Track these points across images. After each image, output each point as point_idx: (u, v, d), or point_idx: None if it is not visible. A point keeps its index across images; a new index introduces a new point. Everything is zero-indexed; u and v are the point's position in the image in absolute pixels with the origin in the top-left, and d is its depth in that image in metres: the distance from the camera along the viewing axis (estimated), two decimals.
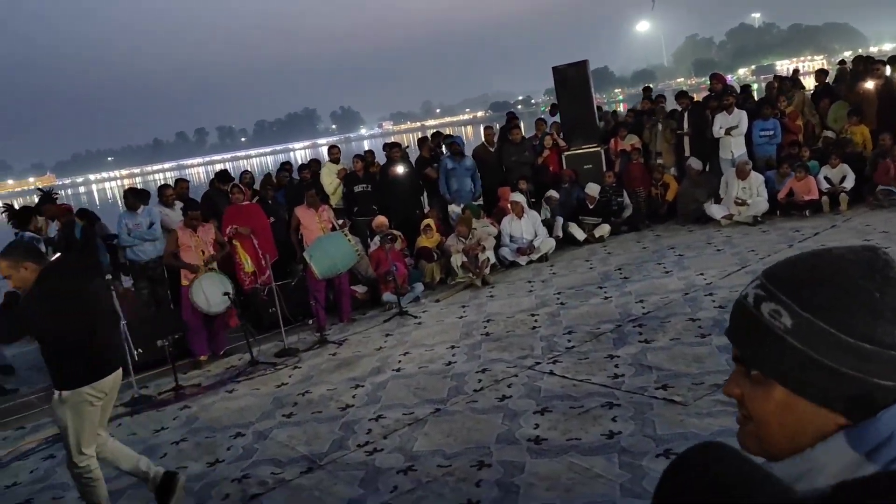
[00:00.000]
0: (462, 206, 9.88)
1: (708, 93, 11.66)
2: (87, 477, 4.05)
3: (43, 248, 7.33)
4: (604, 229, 10.19)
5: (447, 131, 17.19)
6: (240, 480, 4.53)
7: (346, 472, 4.43)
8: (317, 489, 4.27)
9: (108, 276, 7.09)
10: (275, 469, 4.62)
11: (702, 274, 7.60)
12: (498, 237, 9.59)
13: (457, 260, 8.90)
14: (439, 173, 10.33)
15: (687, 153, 10.86)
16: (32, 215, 7.76)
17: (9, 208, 7.95)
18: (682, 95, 11.41)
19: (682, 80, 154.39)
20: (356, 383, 6.00)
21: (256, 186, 10.32)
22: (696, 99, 11.88)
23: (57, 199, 8.53)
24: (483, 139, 11.13)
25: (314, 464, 4.60)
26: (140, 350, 6.75)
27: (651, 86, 14.99)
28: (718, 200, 10.06)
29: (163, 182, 10.42)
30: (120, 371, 4.19)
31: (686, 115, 10.99)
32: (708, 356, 5.31)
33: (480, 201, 10.44)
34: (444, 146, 11.32)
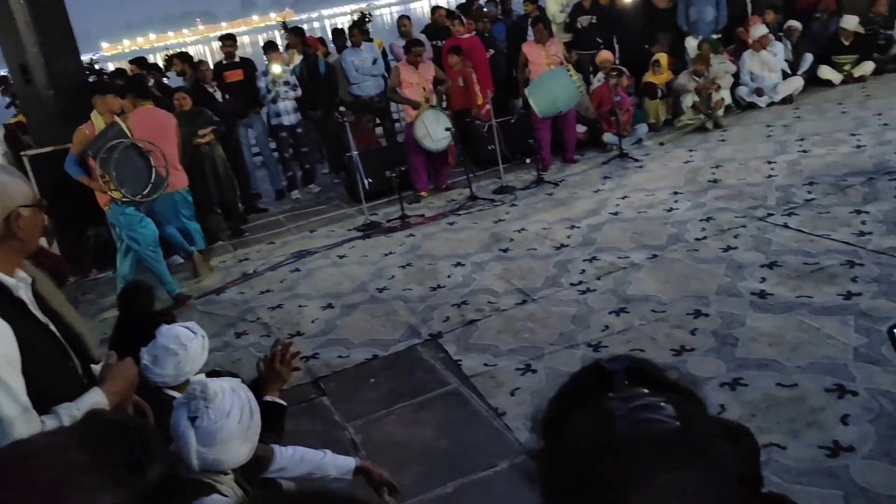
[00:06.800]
0: (700, 39, 8.95)
1: None
2: None
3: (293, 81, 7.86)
4: (866, 67, 8.88)
5: None
6: (459, 305, 4.83)
7: (559, 307, 4.53)
8: (530, 320, 4.43)
9: (342, 109, 7.50)
10: (491, 298, 4.85)
11: None
12: (736, 75, 8.72)
13: (687, 100, 8.27)
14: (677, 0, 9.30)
15: None
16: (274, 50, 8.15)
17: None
18: None
19: None
20: (571, 224, 5.99)
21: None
22: None
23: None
24: None
25: (528, 297, 4.75)
26: (370, 180, 7.19)
27: None
28: None
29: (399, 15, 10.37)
30: None
31: None
32: None
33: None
34: None
